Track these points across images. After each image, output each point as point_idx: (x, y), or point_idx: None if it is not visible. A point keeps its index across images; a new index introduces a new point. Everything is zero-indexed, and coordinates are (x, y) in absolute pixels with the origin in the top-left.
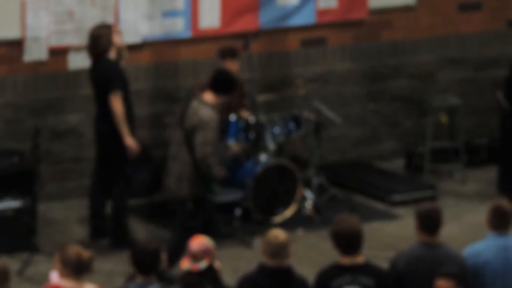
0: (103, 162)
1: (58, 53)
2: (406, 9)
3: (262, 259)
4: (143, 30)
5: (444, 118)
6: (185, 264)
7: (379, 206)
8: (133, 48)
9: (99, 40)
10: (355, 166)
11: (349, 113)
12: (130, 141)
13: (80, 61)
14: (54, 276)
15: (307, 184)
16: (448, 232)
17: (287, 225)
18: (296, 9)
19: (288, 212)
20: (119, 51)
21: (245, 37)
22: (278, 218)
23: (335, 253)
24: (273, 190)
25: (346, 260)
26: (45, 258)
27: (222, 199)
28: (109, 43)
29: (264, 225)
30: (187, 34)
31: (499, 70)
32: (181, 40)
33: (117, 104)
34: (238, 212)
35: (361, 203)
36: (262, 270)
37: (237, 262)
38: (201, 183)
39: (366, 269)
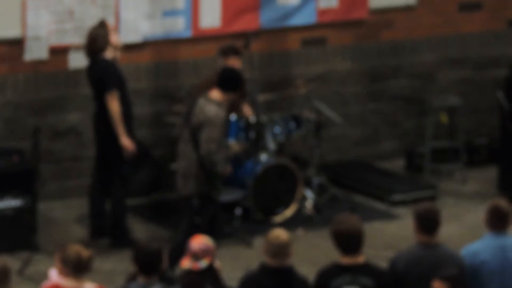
0: (101, 162)
1: (59, 52)
2: (406, 9)
3: (263, 259)
4: (144, 30)
5: (444, 118)
6: (186, 263)
7: (379, 206)
8: (133, 47)
9: (97, 40)
10: (355, 166)
11: (349, 113)
12: (125, 141)
13: (80, 60)
14: (53, 274)
15: (307, 183)
16: (448, 232)
17: (287, 224)
18: (297, 9)
19: (288, 212)
20: (116, 50)
21: (245, 36)
22: (278, 218)
23: (335, 252)
24: (274, 190)
25: (346, 260)
26: (45, 257)
27: (223, 198)
28: (106, 43)
29: (264, 224)
30: (188, 33)
31: (499, 70)
32: (182, 39)
33: (113, 103)
34: (238, 211)
35: (361, 203)
36: (264, 269)
37: (237, 261)
38: (207, 180)
39: (366, 269)
